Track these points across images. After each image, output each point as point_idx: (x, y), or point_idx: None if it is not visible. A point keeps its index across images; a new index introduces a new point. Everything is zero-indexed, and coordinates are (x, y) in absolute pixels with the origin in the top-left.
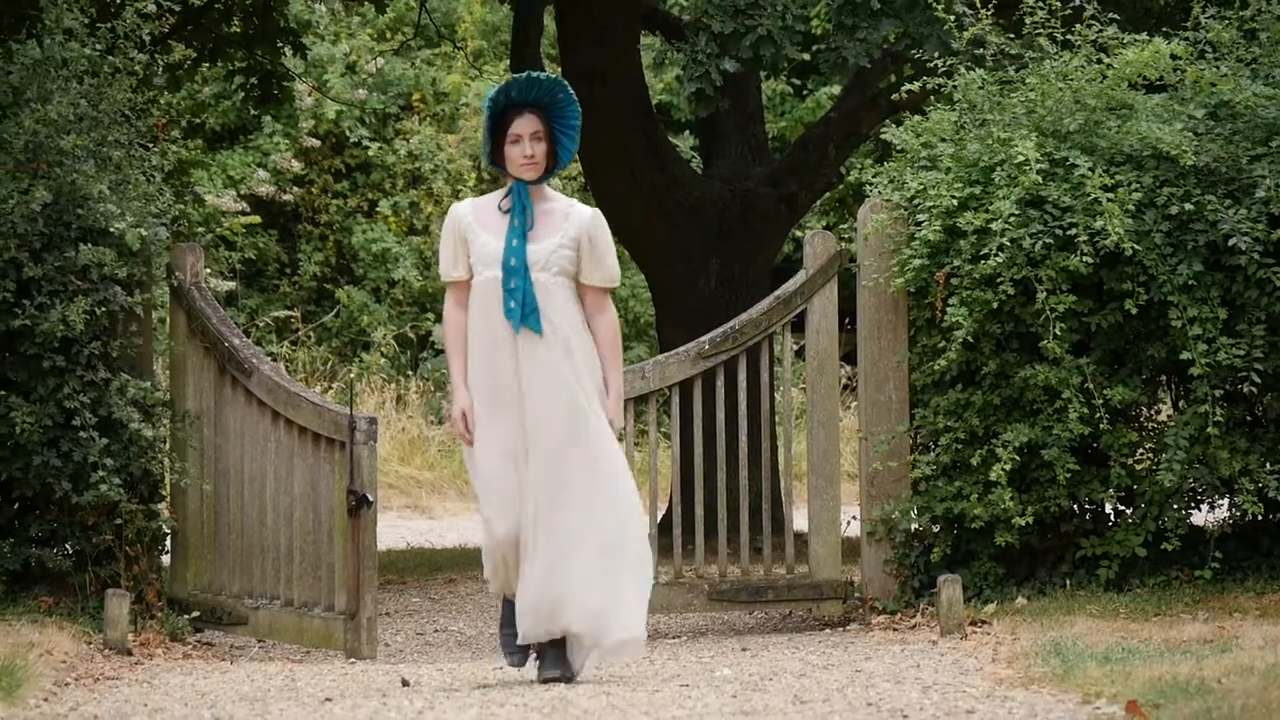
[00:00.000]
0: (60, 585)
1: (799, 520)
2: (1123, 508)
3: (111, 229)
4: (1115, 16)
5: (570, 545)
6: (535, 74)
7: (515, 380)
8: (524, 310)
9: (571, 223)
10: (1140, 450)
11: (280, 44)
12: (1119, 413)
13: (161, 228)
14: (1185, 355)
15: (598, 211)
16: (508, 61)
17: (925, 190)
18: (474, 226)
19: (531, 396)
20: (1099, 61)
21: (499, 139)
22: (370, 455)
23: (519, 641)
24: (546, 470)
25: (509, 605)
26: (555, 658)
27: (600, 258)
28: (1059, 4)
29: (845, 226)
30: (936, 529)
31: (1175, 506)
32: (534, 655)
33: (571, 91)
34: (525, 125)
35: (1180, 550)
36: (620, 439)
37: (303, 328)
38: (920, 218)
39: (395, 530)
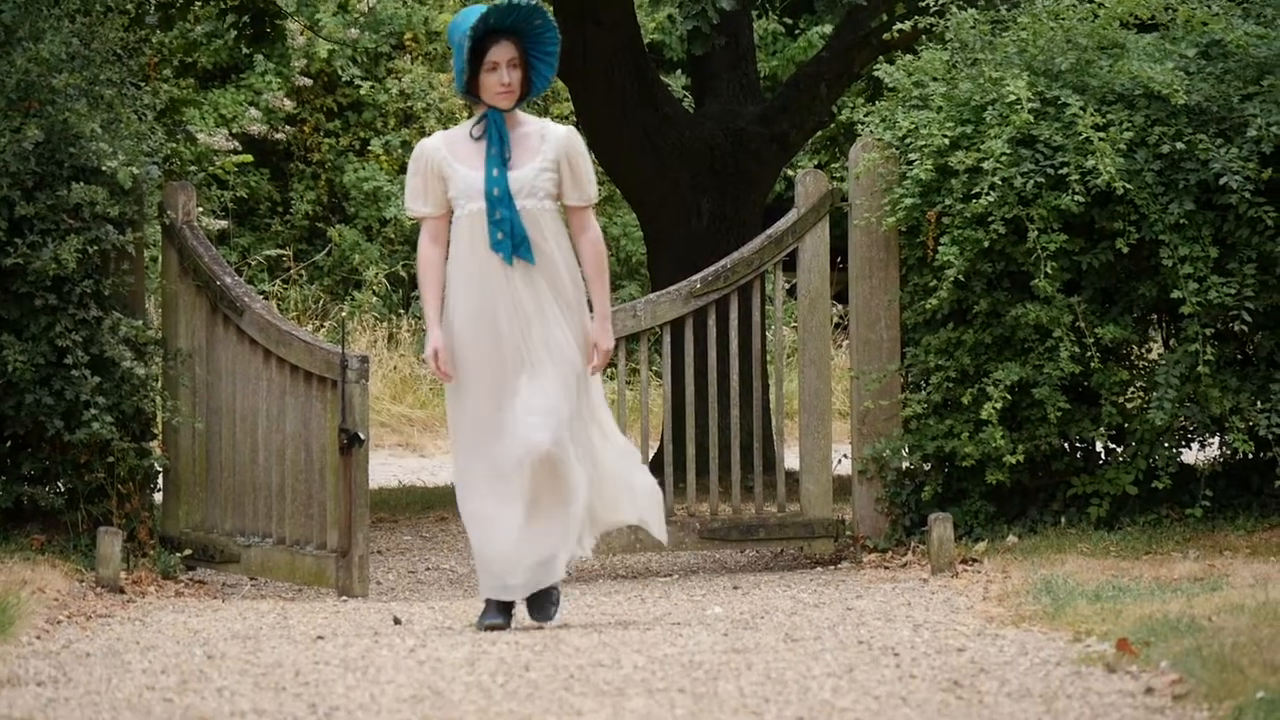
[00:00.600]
0: (52, 523)
1: (790, 459)
2: (1113, 446)
3: (103, 167)
4: None
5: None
6: (514, 0)
7: (509, 314)
8: (514, 240)
9: (549, 144)
10: (1131, 389)
11: None
12: (1110, 351)
13: (153, 166)
14: (1176, 294)
15: (572, 129)
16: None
17: (917, 129)
18: (449, 160)
19: (529, 329)
20: (1091, 1)
21: (475, 67)
22: (362, 393)
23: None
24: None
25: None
26: (544, 601)
27: (579, 176)
28: None
29: (837, 165)
30: (928, 467)
31: (1166, 445)
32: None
33: (550, 18)
34: (502, 53)
35: (1171, 489)
36: (612, 368)
37: (294, 266)
38: (912, 157)
39: (387, 468)
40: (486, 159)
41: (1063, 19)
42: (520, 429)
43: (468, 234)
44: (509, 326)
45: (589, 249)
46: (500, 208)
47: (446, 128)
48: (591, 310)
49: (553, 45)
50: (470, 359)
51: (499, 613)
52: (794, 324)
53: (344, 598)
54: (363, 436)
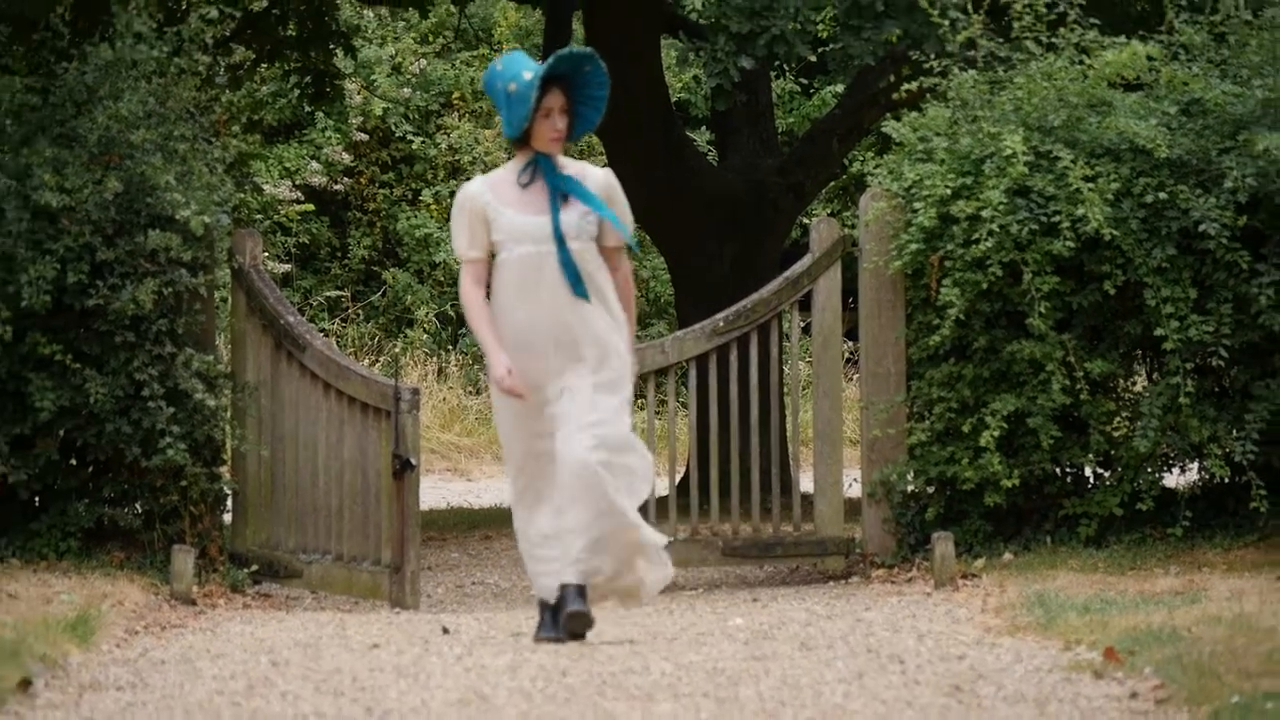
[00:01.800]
0: (130, 542)
1: (805, 482)
2: (1101, 471)
3: (177, 216)
4: (1096, 21)
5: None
6: (571, 49)
7: (558, 354)
8: (570, 280)
9: (588, 185)
10: (1117, 418)
11: (332, 46)
12: (1098, 384)
13: (223, 215)
14: (1159, 331)
15: (609, 171)
16: None
17: (921, 180)
18: (494, 204)
19: (570, 361)
20: (1081, 62)
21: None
22: (413, 423)
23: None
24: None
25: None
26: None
27: (618, 215)
28: (1044, 9)
29: (848, 214)
30: (931, 490)
31: (1149, 470)
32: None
33: (601, 64)
34: (555, 100)
35: (1154, 510)
36: (641, 399)
37: (352, 306)
38: (916, 206)
39: (436, 491)
40: (551, 202)
41: (1055, 79)
42: (573, 449)
43: (517, 276)
44: (556, 362)
45: (622, 282)
46: (562, 249)
47: None
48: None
49: (601, 90)
50: (516, 402)
51: (552, 625)
52: (809, 359)
53: (397, 610)
54: (414, 462)
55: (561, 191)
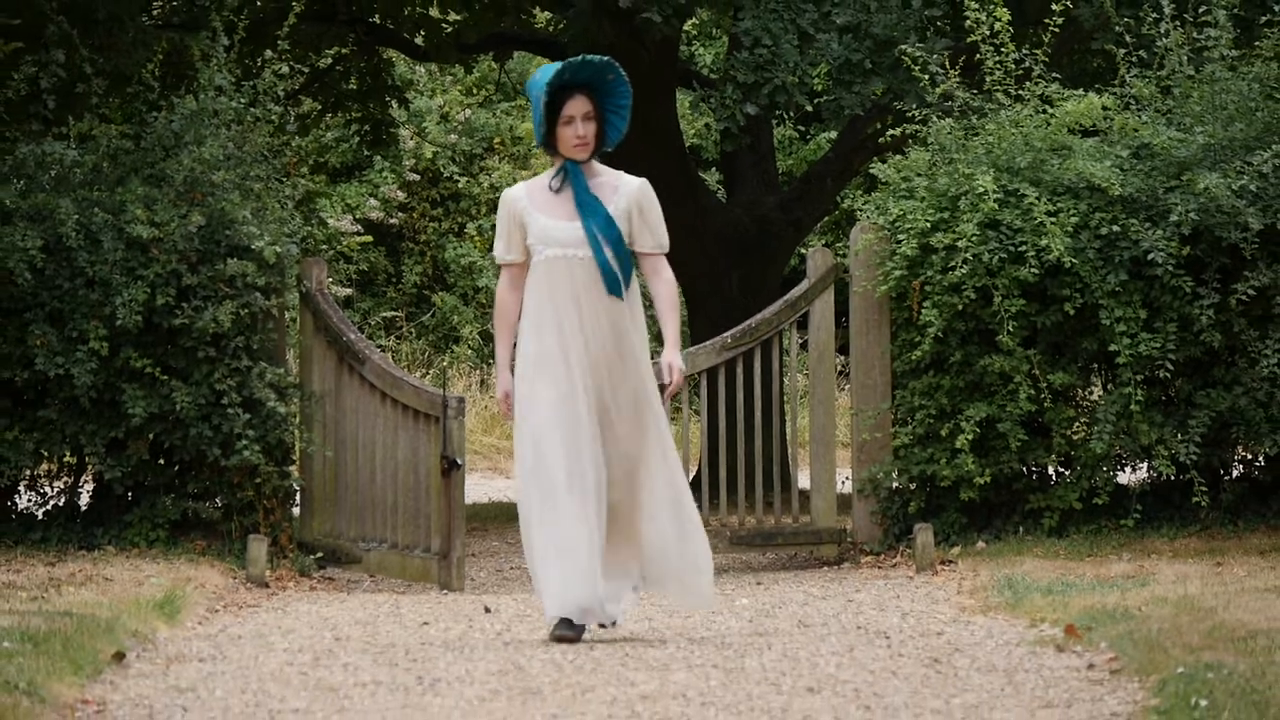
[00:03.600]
0: (211, 532)
1: (802, 480)
2: (1062, 470)
3: (253, 246)
4: (1057, 76)
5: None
6: (588, 56)
7: (583, 351)
8: (608, 283)
9: (621, 194)
10: (1076, 424)
11: (388, 99)
12: (1059, 394)
13: (293, 245)
14: (1113, 347)
15: (644, 181)
16: None
17: (904, 215)
18: (529, 209)
19: (600, 366)
20: (1044, 112)
21: (553, 120)
22: (459, 427)
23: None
24: (622, 448)
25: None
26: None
27: (651, 224)
28: (1013, 65)
29: (840, 244)
30: (913, 487)
31: (1104, 469)
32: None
33: (622, 72)
34: (577, 106)
35: (1108, 504)
36: (694, 405)
37: (405, 325)
38: (900, 237)
39: (479, 488)
40: (579, 207)
41: (1021, 126)
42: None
43: (545, 278)
44: (589, 363)
45: (663, 289)
46: (596, 251)
47: None
48: (662, 342)
49: (625, 98)
50: (544, 397)
51: (569, 625)
52: (806, 372)
53: (444, 591)
54: (460, 462)
55: (587, 195)
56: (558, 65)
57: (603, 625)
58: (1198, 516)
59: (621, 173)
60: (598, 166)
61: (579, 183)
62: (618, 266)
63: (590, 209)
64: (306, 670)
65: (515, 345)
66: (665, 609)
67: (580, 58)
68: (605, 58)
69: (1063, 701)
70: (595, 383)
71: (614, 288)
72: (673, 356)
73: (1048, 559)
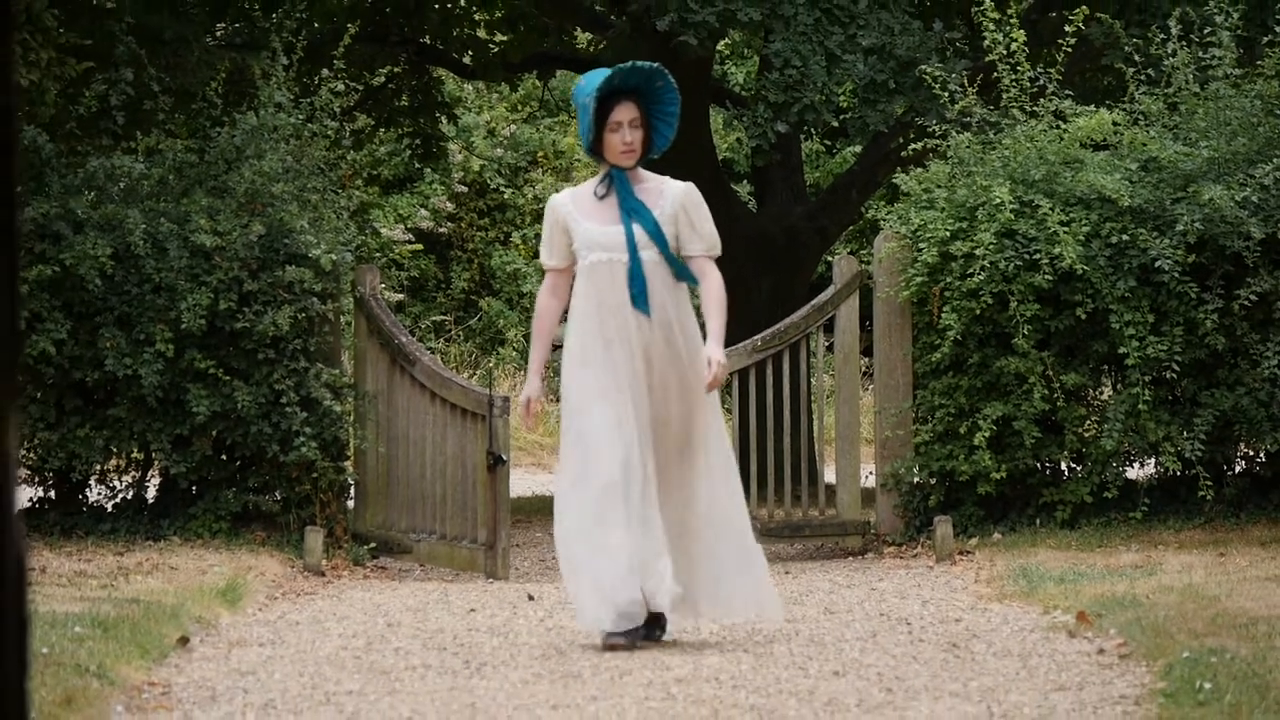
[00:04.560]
0: (270, 523)
1: (829, 475)
2: (1074, 465)
3: (310, 254)
4: (1070, 93)
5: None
6: (637, 63)
7: (630, 358)
8: (634, 291)
9: (667, 199)
10: (1088, 422)
11: (438, 114)
12: (1072, 393)
13: (348, 253)
14: (1122, 350)
15: (691, 185)
16: None
17: (925, 225)
18: (574, 214)
19: (649, 373)
20: (1058, 127)
21: (600, 126)
22: (504, 425)
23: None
24: (671, 454)
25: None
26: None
27: (698, 226)
28: (1028, 84)
29: (865, 252)
30: (933, 481)
31: (1114, 465)
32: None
33: (671, 79)
34: (624, 113)
35: (1118, 498)
36: (726, 404)
37: (454, 329)
38: (921, 246)
39: (523, 482)
40: (625, 213)
41: (1036, 141)
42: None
43: (590, 283)
44: (638, 370)
45: (710, 288)
46: (632, 259)
47: None
48: (705, 337)
49: (673, 105)
50: (594, 402)
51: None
52: (831, 373)
53: (490, 580)
54: (505, 458)
55: (633, 201)
56: (606, 71)
57: (660, 630)
58: (1202, 509)
59: (667, 178)
60: (643, 173)
61: (624, 189)
62: (664, 272)
63: (638, 214)
64: (360, 654)
65: (561, 347)
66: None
67: (630, 64)
68: (655, 64)
69: (1074, 684)
70: (645, 389)
71: (640, 299)
72: (713, 349)
73: (1060, 550)
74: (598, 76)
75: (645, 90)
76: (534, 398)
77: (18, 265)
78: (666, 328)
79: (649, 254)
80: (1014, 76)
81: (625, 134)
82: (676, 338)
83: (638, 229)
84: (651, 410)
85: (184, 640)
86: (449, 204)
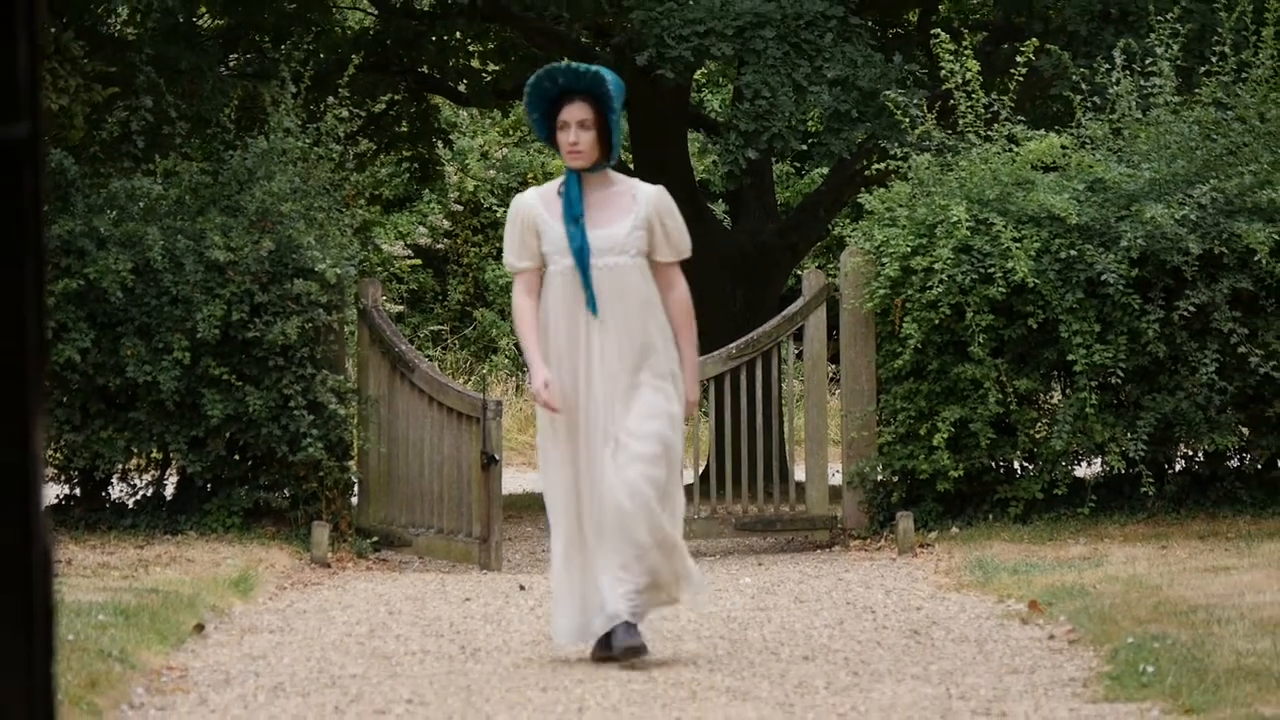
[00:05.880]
0: (280, 519)
1: (798, 473)
2: (1026, 464)
3: (316, 268)
4: (1022, 119)
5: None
6: (573, 64)
7: (587, 366)
8: (590, 297)
9: (640, 203)
10: (1039, 424)
11: (434, 139)
12: (1024, 397)
13: (351, 267)
14: (1071, 357)
15: (662, 189)
16: None
17: (887, 241)
18: (543, 215)
19: (601, 381)
20: (1010, 150)
21: (551, 125)
22: (497, 427)
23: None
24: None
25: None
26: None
27: (671, 233)
28: (982, 110)
29: (832, 266)
30: (895, 479)
31: (1063, 464)
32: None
33: (604, 75)
34: (572, 113)
35: (1067, 495)
36: (703, 408)
37: (450, 338)
38: (884, 260)
39: (515, 480)
40: (564, 216)
41: (990, 163)
42: (611, 503)
43: (561, 288)
44: (597, 381)
45: (677, 304)
46: (579, 263)
47: None
48: (682, 361)
49: (617, 101)
50: (553, 467)
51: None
52: (801, 378)
53: (484, 571)
54: (497, 458)
55: (575, 214)
56: (554, 67)
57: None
58: (1145, 505)
59: (637, 181)
60: (614, 175)
61: (573, 193)
62: (627, 277)
63: (577, 224)
64: (363, 640)
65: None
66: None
67: (565, 64)
68: (594, 69)
69: (1027, 668)
70: (605, 402)
71: (591, 305)
72: (691, 388)
73: (1014, 543)
74: (540, 74)
75: (599, 93)
76: (550, 380)
77: (45, 279)
78: (637, 333)
79: (622, 259)
80: (969, 103)
81: (571, 134)
82: (654, 344)
83: (612, 232)
84: (605, 416)
85: (200, 627)
86: (445, 222)
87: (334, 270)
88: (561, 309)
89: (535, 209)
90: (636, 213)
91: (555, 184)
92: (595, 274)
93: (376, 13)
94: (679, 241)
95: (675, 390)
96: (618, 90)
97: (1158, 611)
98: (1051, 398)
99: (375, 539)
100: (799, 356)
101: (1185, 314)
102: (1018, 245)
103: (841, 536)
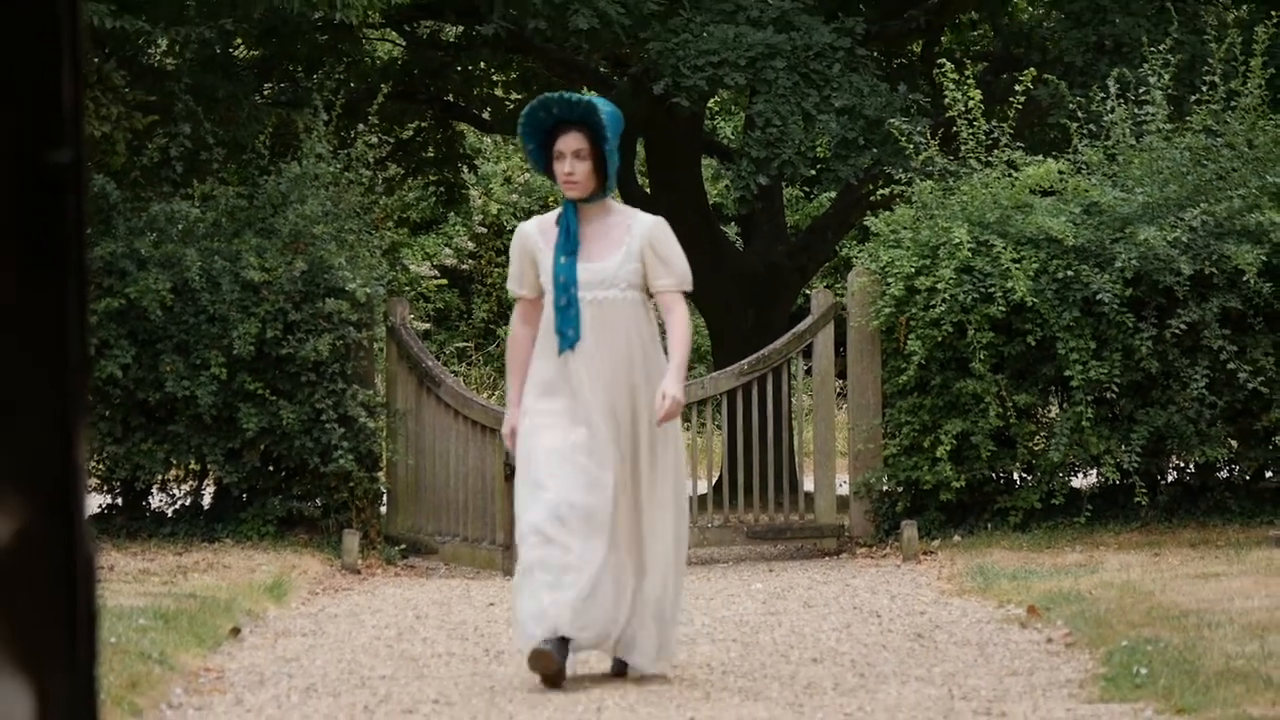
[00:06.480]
0: (312, 527)
1: (807, 483)
2: (1025, 475)
3: (347, 288)
4: (1021, 145)
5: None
6: (566, 94)
7: (575, 396)
8: (569, 327)
9: (634, 234)
10: (1037, 436)
11: (460, 165)
12: (1023, 412)
13: (380, 287)
14: (1068, 373)
15: (660, 219)
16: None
17: (892, 262)
18: (541, 246)
19: (599, 410)
20: (1010, 175)
21: (547, 156)
22: None
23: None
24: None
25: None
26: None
27: (666, 260)
28: (983, 136)
29: (839, 286)
30: (900, 489)
31: (1060, 475)
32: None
33: (597, 105)
34: (568, 143)
35: (1064, 504)
36: (687, 422)
37: (475, 354)
38: (889, 280)
39: None
40: (555, 247)
41: (990, 187)
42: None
43: (553, 318)
44: (593, 410)
45: (676, 325)
46: (564, 295)
47: None
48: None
49: (611, 131)
50: (543, 443)
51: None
52: (810, 393)
53: (508, 577)
54: None
55: (566, 239)
56: (548, 97)
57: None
58: (1139, 515)
59: (637, 211)
60: (612, 205)
61: (569, 223)
62: (622, 310)
63: (570, 256)
64: (392, 643)
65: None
66: (691, 592)
67: (557, 95)
68: (588, 99)
69: (1026, 670)
70: (605, 428)
71: (575, 339)
72: (670, 384)
73: (1013, 550)
74: (534, 104)
75: (595, 123)
76: (517, 427)
77: (88, 298)
78: (625, 365)
79: (612, 293)
80: (971, 131)
81: (566, 164)
82: (636, 375)
83: (603, 266)
84: (612, 446)
85: (236, 631)
86: (470, 243)
87: (364, 290)
88: (555, 339)
89: (533, 239)
90: (629, 245)
91: (555, 214)
92: (584, 307)
93: (404, 44)
94: (678, 268)
95: (672, 450)
96: (613, 120)
97: (1151, 616)
98: (1049, 412)
99: (403, 546)
100: (808, 372)
101: (1177, 332)
102: (1017, 266)
103: (848, 544)
